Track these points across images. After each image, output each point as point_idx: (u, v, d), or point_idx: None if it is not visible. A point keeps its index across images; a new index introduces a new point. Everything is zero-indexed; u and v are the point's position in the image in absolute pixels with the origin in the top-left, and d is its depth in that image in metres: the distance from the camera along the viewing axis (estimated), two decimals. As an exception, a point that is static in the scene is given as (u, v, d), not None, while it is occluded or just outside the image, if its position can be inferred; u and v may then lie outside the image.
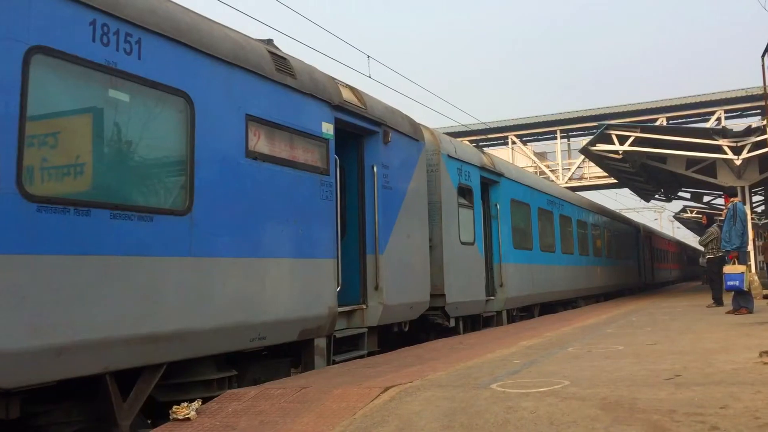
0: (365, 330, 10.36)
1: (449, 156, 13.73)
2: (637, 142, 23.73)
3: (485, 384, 6.33)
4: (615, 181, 35.70)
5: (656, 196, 38.70)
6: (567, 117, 42.67)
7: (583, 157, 34.66)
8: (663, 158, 25.33)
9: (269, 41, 9.18)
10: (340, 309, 9.65)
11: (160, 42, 6.77)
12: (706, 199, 37.18)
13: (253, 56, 8.22)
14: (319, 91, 9.37)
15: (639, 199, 42.15)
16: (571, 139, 44.72)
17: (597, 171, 38.01)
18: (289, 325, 8.41)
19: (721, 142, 22.30)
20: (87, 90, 6.05)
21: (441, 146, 13.47)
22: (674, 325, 12.52)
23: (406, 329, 11.77)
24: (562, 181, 41.15)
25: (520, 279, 17.50)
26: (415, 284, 11.73)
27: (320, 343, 9.13)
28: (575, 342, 10.20)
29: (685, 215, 51.48)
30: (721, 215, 18.43)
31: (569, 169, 42.59)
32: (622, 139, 23.74)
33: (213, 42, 7.55)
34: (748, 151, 22.00)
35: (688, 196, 37.08)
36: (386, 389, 6.23)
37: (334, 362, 9.38)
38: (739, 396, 5.18)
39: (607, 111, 40.37)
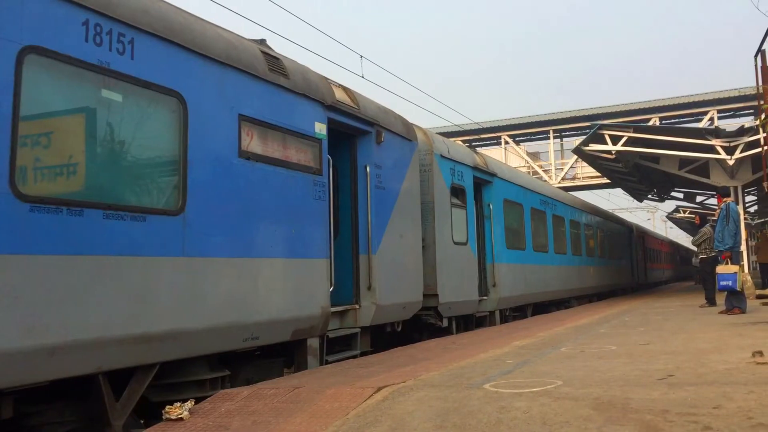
0: (358, 330, 10.37)
1: (442, 156, 13.74)
2: (630, 142, 23.78)
3: (478, 384, 6.33)
4: (608, 181, 35.76)
5: (649, 196, 38.78)
6: (560, 117, 42.73)
7: (575, 157, 34.71)
8: (656, 158, 25.38)
9: (262, 41, 9.18)
10: (333, 309, 9.65)
11: (152, 42, 6.76)
12: (699, 199, 37.26)
13: (246, 56, 8.21)
14: (312, 91, 9.37)
15: (632, 199, 42.21)
16: (564, 140, 44.76)
17: (590, 171, 38.08)
18: (281, 325, 8.41)
19: (713, 142, 22.36)
20: (80, 90, 6.04)
21: (434, 146, 13.48)
22: (667, 325, 12.55)
23: (399, 329, 11.78)
24: (554, 181, 41.17)
25: (513, 279, 17.52)
26: (407, 284, 11.74)
27: (313, 343, 9.14)
28: (568, 342, 10.22)
29: (678, 215, 51.58)
30: (713, 215, 18.48)
31: (562, 169, 42.60)
32: (615, 139, 23.79)
33: (206, 42, 7.54)
34: (741, 152, 22.06)
35: (681, 195, 37.14)
36: (379, 389, 6.23)
37: (327, 362, 9.39)
38: (732, 396, 5.20)
39: (600, 111, 40.41)
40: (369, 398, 5.95)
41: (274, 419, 5.60)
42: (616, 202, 73.26)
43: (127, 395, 6.41)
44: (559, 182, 40.93)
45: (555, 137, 43.72)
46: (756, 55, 18.68)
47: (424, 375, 7.15)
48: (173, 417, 5.87)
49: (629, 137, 23.48)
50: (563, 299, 23.82)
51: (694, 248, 19.76)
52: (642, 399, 5.21)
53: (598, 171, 32.02)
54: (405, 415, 5.21)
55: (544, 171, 42.79)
